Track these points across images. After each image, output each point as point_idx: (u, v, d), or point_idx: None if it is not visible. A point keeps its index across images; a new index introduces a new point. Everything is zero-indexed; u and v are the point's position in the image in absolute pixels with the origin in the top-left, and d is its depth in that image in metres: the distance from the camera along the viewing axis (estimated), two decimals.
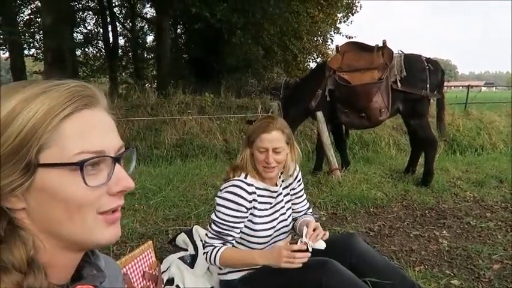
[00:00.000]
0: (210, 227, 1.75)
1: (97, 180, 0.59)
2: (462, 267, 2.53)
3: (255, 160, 1.77)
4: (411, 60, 4.48)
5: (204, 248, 1.76)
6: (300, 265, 1.55)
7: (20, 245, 0.56)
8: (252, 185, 1.77)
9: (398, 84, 4.39)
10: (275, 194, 1.87)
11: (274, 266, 1.60)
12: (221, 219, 1.71)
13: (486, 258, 2.63)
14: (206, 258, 1.73)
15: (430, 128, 4.58)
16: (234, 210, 1.70)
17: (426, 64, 4.43)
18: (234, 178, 1.77)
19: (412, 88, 4.37)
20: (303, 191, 2.06)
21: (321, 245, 1.62)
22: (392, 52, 4.52)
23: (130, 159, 0.69)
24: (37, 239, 0.59)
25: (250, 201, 1.74)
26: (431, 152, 4.51)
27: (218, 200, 1.74)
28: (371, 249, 1.94)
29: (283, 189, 1.94)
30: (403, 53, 4.64)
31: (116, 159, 0.61)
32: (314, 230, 1.64)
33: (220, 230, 1.71)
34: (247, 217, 1.76)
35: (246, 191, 1.73)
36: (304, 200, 2.07)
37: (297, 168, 1.98)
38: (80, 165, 0.57)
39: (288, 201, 1.96)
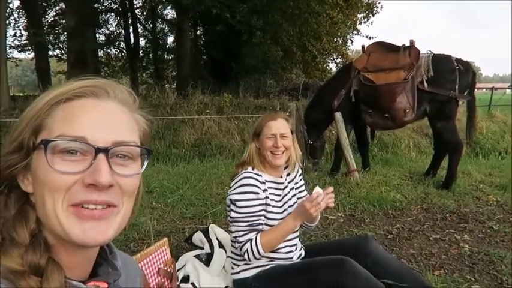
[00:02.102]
0: (236, 225, 1.73)
1: (70, 167, 0.57)
2: (484, 273, 2.46)
3: (262, 149, 1.84)
4: (440, 61, 4.35)
5: (241, 249, 1.71)
6: (330, 205, 1.69)
7: (24, 222, 0.58)
8: (261, 175, 1.81)
9: (425, 84, 4.28)
10: (282, 186, 1.91)
11: (308, 220, 1.80)
12: (246, 212, 1.71)
13: (509, 264, 2.55)
14: (249, 257, 1.69)
15: (457, 131, 4.44)
16: (254, 199, 1.73)
17: (456, 64, 4.29)
18: (245, 171, 1.81)
19: (439, 89, 4.25)
20: (304, 185, 2.12)
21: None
22: (419, 52, 4.40)
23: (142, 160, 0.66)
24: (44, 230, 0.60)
25: (264, 190, 1.78)
26: (455, 155, 4.39)
27: (234, 197, 1.74)
28: (387, 253, 1.92)
29: (288, 182, 1.97)
30: (432, 53, 4.51)
31: (101, 151, 0.58)
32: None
33: (250, 222, 1.71)
34: (265, 204, 1.78)
35: (258, 180, 1.78)
36: (306, 194, 2.10)
37: (297, 164, 2.05)
38: (44, 145, 0.56)
39: (294, 195, 1.99)
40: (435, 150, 5.03)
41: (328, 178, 4.68)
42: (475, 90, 4.81)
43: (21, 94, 11.55)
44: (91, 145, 0.57)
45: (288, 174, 1.98)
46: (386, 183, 4.41)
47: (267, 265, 1.78)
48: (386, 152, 6.85)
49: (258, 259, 1.72)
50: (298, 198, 2.01)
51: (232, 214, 1.74)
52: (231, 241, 1.83)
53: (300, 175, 2.07)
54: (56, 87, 0.62)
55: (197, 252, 2.33)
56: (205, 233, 2.50)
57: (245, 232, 1.71)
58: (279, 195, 1.88)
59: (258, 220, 1.73)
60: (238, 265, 1.81)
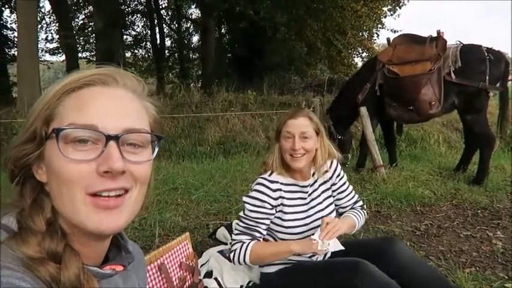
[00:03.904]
0: (237, 224, 1.75)
1: (82, 155, 0.57)
2: None
3: (282, 151, 1.73)
4: (469, 51, 4.16)
5: (232, 246, 1.71)
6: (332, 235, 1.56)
7: (40, 211, 0.59)
8: (277, 182, 1.74)
9: (453, 75, 4.11)
10: (306, 189, 1.81)
11: (303, 253, 1.64)
12: (247, 215, 1.71)
13: None
14: (234, 257, 1.66)
15: (488, 124, 4.26)
16: (258, 206, 1.70)
17: (486, 54, 4.08)
18: (260, 176, 1.78)
19: (468, 80, 4.07)
20: (346, 185, 1.94)
21: (337, 246, 1.57)
22: (446, 42, 4.23)
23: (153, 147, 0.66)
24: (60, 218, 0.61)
25: (275, 198, 1.72)
26: (487, 150, 4.20)
27: (245, 199, 1.76)
28: (414, 257, 1.76)
29: (319, 185, 1.85)
30: (461, 43, 4.32)
31: (112, 138, 0.58)
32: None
33: (247, 225, 1.70)
34: (273, 214, 1.74)
35: (270, 188, 1.71)
36: (349, 195, 1.95)
37: (335, 162, 1.89)
38: (56, 133, 0.56)
39: (328, 197, 1.87)
40: (466, 144, 4.84)
41: (353, 174, 4.61)
42: (511, 82, 4.60)
43: None
44: (101, 133, 0.58)
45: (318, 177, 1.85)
46: (414, 178, 4.29)
47: (289, 263, 1.76)
48: (414, 148, 6.67)
49: (240, 264, 1.69)
50: (336, 200, 1.92)
51: (240, 212, 1.78)
52: None
53: (338, 175, 1.89)
54: (66, 76, 0.63)
55: (221, 247, 2.34)
56: (229, 228, 2.52)
57: (240, 232, 1.71)
58: (302, 198, 1.79)
59: (255, 226, 1.70)
60: (255, 263, 1.78)
